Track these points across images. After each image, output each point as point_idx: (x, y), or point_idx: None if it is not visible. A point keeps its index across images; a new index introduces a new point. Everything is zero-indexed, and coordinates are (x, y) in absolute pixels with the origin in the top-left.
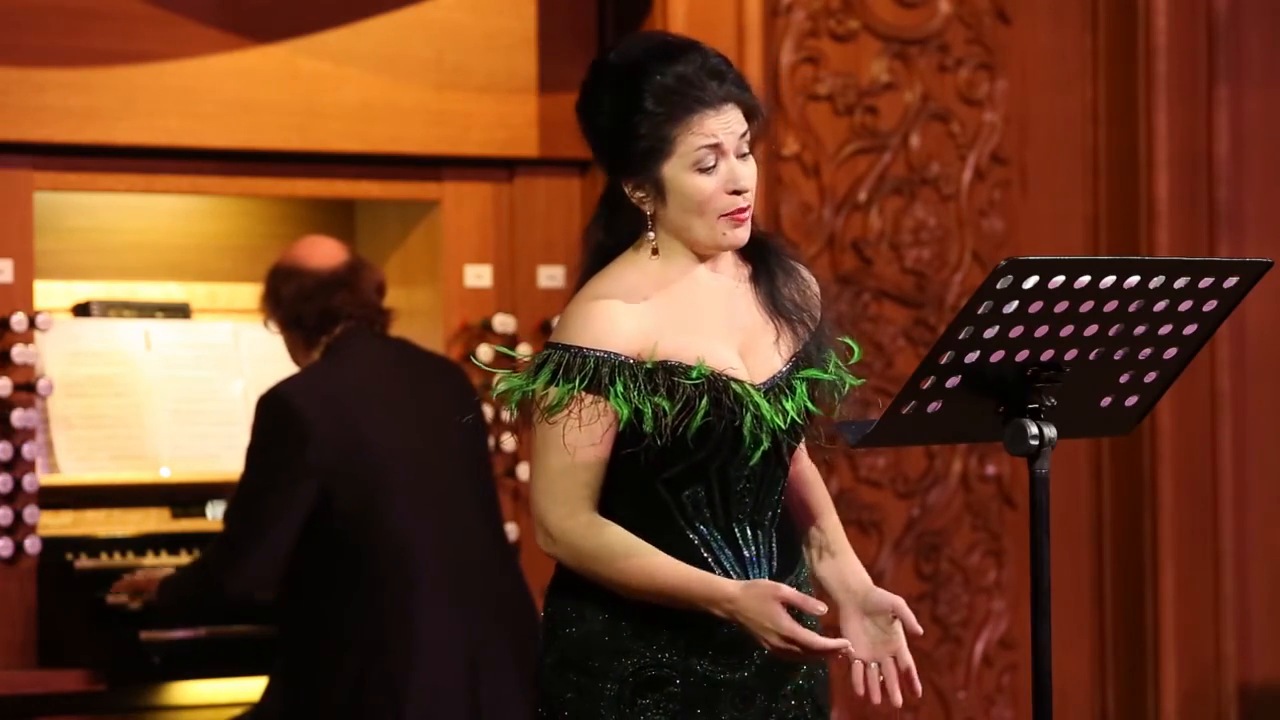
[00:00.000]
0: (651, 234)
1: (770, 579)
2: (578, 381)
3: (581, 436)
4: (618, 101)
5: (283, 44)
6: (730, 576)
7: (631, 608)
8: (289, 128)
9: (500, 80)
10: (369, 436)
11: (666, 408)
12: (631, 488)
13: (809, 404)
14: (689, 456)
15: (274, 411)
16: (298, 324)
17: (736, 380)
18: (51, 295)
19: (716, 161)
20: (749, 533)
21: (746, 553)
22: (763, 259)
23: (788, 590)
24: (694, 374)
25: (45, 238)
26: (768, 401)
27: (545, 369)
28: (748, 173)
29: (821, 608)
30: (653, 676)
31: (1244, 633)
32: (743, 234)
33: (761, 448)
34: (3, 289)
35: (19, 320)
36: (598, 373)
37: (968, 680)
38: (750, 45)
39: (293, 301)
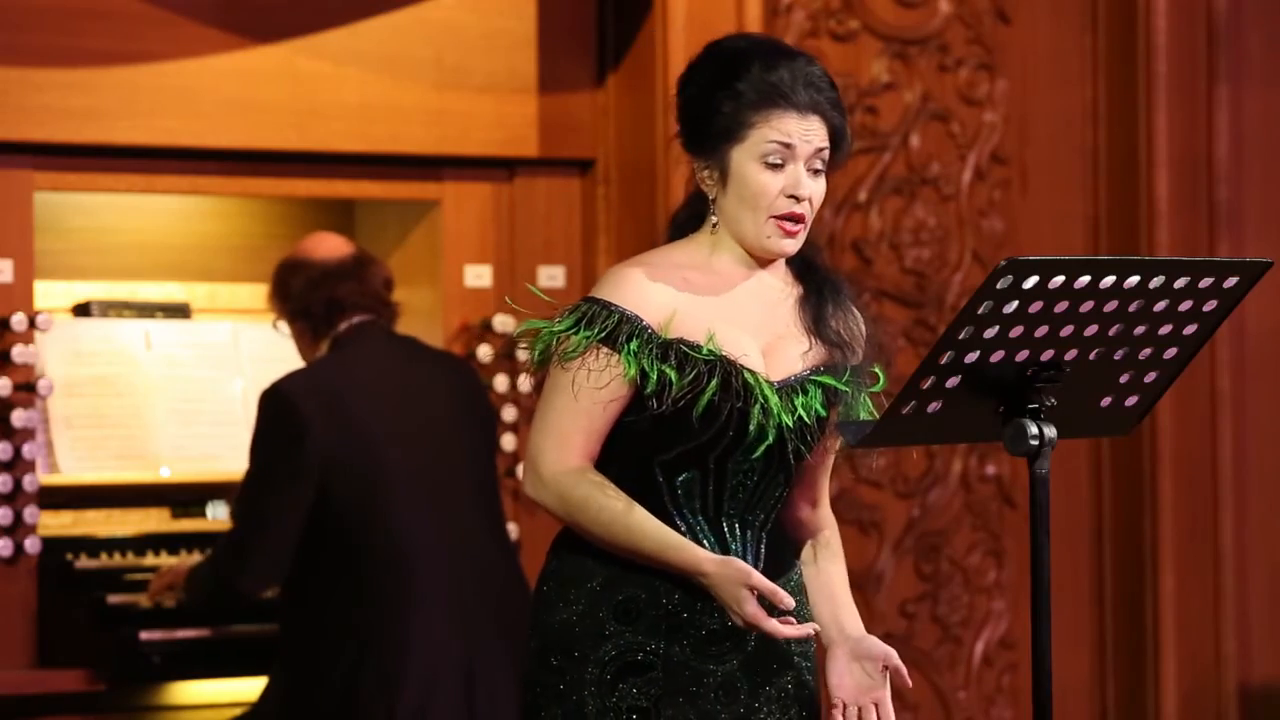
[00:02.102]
0: (715, 215)
1: None
2: (596, 331)
3: (589, 384)
4: (713, 77)
5: (283, 44)
6: None
7: (612, 594)
8: (289, 128)
9: (500, 80)
10: (370, 433)
11: (674, 378)
12: (629, 465)
13: (820, 409)
14: (692, 439)
15: (273, 407)
16: (305, 315)
17: (749, 369)
18: (51, 295)
19: (785, 163)
20: (737, 530)
21: (734, 549)
22: (818, 286)
23: (759, 579)
24: (704, 351)
25: (45, 238)
26: (778, 397)
27: (571, 316)
28: (815, 187)
29: (789, 602)
30: (634, 661)
31: (1244, 633)
32: (789, 245)
33: (766, 441)
34: (3, 289)
35: (19, 320)
36: (618, 328)
37: (968, 680)
38: None
39: (300, 292)
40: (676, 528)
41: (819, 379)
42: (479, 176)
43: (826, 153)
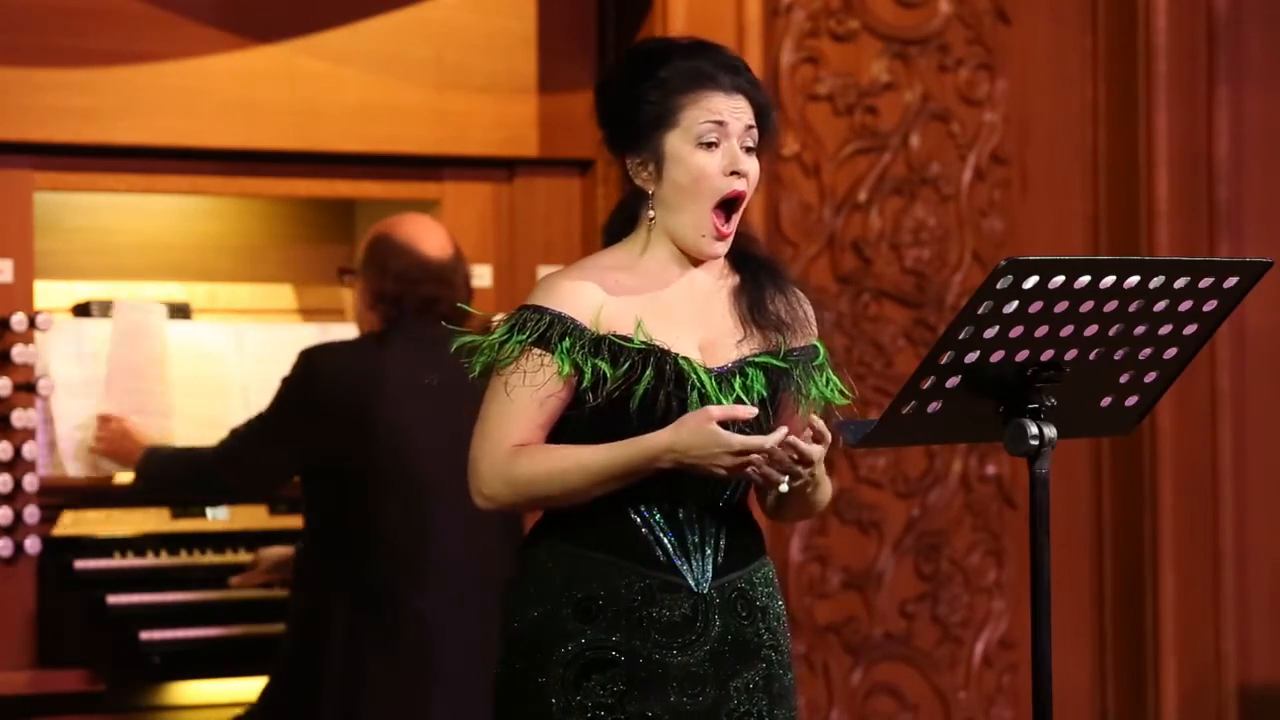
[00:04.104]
0: (651, 212)
1: (714, 569)
2: (528, 335)
3: (524, 385)
4: (634, 73)
5: (283, 44)
6: (673, 562)
7: (572, 592)
8: (289, 128)
9: (500, 80)
10: (390, 415)
11: (608, 371)
12: None
13: (762, 391)
14: (633, 432)
15: (299, 371)
16: (393, 303)
17: (683, 357)
18: (51, 295)
19: (719, 141)
20: (694, 520)
21: (691, 540)
22: (754, 272)
23: (715, 409)
24: (635, 342)
25: (45, 238)
26: (715, 381)
27: (504, 326)
28: (750, 163)
29: (750, 411)
30: (596, 659)
31: (1244, 633)
32: (720, 248)
33: None
34: (3, 289)
35: (19, 320)
36: (550, 329)
37: (968, 680)
38: (750, 45)
39: (397, 281)
40: (633, 523)
41: (757, 360)
42: (479, 176)
43: (756, 132)
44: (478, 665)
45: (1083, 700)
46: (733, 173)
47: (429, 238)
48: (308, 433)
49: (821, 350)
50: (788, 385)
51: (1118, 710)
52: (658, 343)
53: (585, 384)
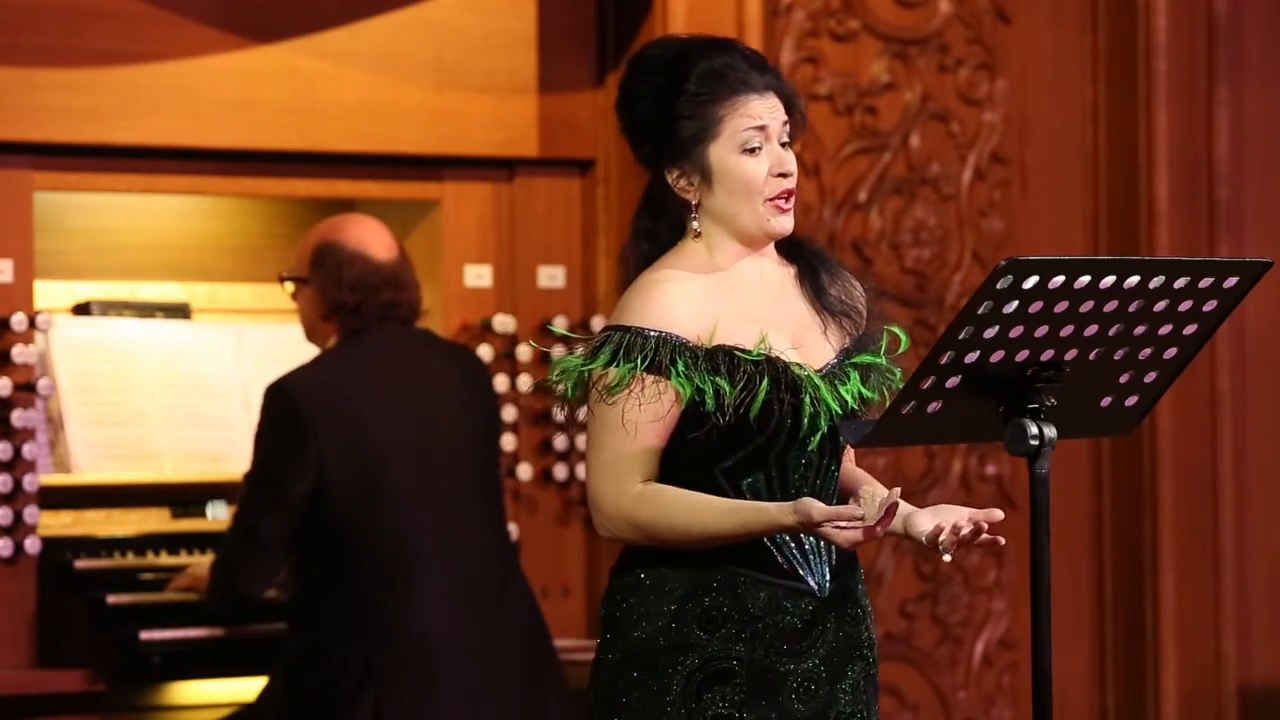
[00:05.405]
0: (696, 221)
1: (830, 570)
2: (639, 361)
3: (642, 416)
4: (660, 87)
5: (283, 44)
6: (794, 568)
7: (696, 602)
8: (289, 128)
9: (500, 80)
10: (372, 429)
11: (727, 388)
12: (691, 478)
13: (862, 390)
14: (749, 442)
15: (275, 404)
16: (353, 313)
17: (796, 364)
18: (51, 295)
19: (762, 145)
20: None
21: (807, 543)
22: (805, 259)
23: (817, 515)
24: (754, 354)
25: (45, 238)
26: (826, 385)
27: (605, 349)
28: (792, 159)
29: (858, 511)
30: (718, 670)
31: (1244, 633)
32: (788, 221)
33: (820, 432)
34: (3, 289)
35: (19, 320)
36: (658, 352)
37: (968, 680)
38: (750, 45)
39: (354, 290)
40: None
41: (855, 360)
42: (479, 176)
43: (789, 125)
44: (475, 669)
45: (1083, 700)
46: (780, 174)
47: (376, 241)
48: (309, 461)
49: (904, 339)
50: (876, 376)
51: (1118, 710)
52: (775, 352)
53: (710, 406)
